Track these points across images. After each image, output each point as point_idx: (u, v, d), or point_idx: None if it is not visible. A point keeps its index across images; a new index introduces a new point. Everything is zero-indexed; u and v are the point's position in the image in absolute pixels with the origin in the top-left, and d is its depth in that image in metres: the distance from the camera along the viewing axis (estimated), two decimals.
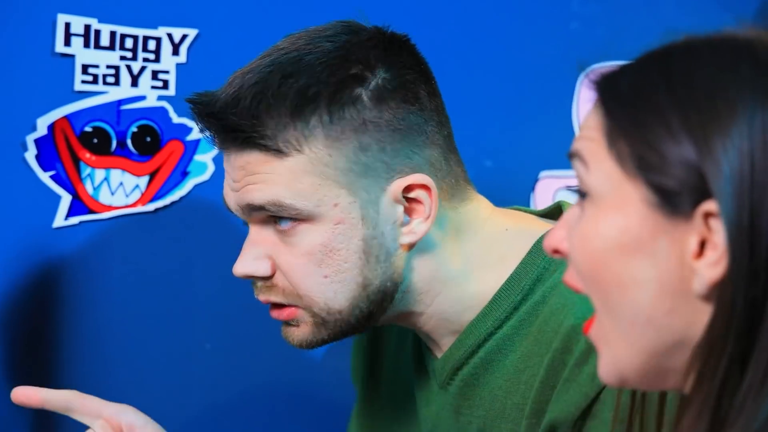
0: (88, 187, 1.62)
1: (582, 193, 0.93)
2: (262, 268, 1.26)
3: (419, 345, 1.36)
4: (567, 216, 0.96)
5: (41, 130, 1.60)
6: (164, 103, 1.64)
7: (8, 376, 1.61)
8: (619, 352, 0.92)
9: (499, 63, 1.69)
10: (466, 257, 1.27)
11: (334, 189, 1.22)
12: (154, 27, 1.62)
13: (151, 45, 1.62)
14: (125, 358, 1.66)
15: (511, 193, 1.55)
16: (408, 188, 1.23)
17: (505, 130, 1.66)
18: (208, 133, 1.27)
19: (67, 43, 1.59)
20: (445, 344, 1.31)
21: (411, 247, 1.25)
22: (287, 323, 1.29)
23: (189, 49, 1.63)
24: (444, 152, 1.26)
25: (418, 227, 1.24)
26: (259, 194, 1.23)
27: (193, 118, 1.28)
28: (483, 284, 1.28)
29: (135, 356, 1.66)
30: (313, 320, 1.26)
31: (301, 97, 1.21)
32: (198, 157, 1.65)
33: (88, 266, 1.63)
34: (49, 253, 1.62)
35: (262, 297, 1.28)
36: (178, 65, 1.63)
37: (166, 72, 1.63)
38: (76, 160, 1.61)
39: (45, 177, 1.60)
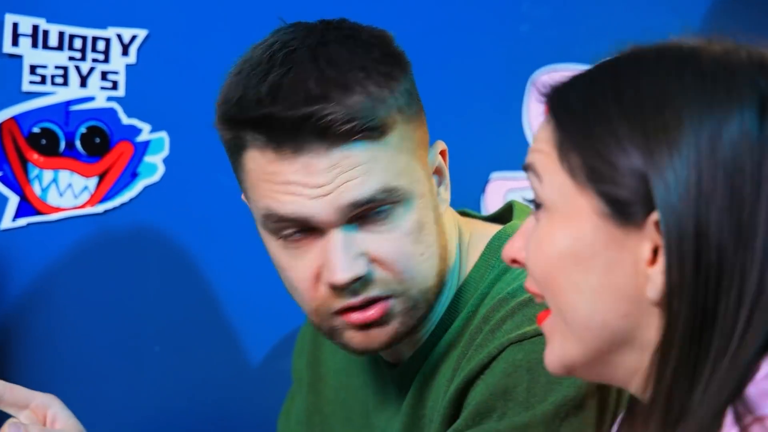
0: (36, 189, 1.61)
1: (537, 204, 0.95)
2: (362, 268, 1.21)
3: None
4: (524, 227, 0.97)
5: None
6: (113, 104, 1.62)
7: None
8: (570, 348, 0.94)
9: (450, 64, 1.69)
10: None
11: (415, 163, 1.23)
12: (104, 27, 1.61)
13: (101, 45, 1.61)
14: (73, 360, 1.65)
15: (462, 194, 1.55)
16: (438, 155, 1.28)
17: (456, 132, 1.66)
18: (280, 139, 1.19)
19: (15, 43, 1.58)
20: (404, 352, 1.31)
21: (443, 213, 1.28)
22: (368, 326, 1.24)
23: (139, 49, 1.62)
24: None
25: (445, 193, 1.28)
26: (364, 187, 1.20)
27: (261, 130, 1.20)
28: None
29: (83, 358, 1.65)
30: (405, 306, 1.23)
31: (381, 82, 1.21)
32: (148, 159, 1.64)
33: (36, 268, 1.62)
34: None
35: (361, 297, 1.22)
36: (127, 66, 1.62)
37: (116, 73, 1.62)
38: (24, 161, 1.60)
39: None
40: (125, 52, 1.62)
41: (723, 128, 0.87)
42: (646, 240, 0.89)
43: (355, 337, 1.24)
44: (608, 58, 0.94)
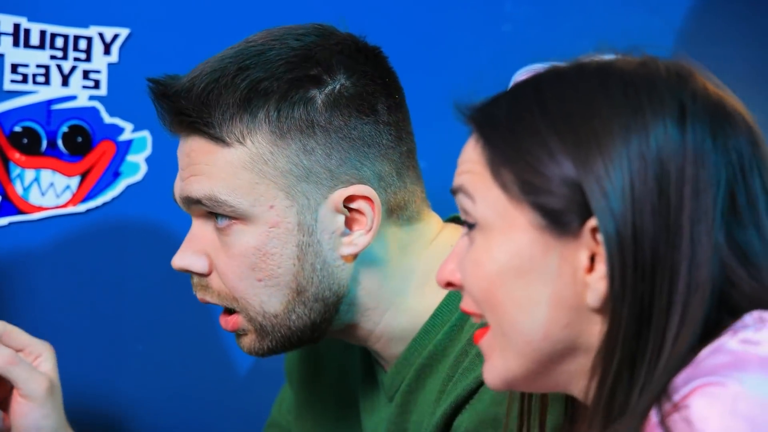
0: (18, 188, 1.61)
1: (470, 225, 0.96)
2: (199, 264, 1.25)
3: (369, 355, 1.35)
4: (456, 249, 0.98)
5: None
6: (96, 103, 1.62)
7: None
8: (511, 363, 0.95)
9: (433, 64, 1.70)
10: (409, 274, 1.26)
11: (271, 190, 1.21)
12: (85, 26, 1.61)
13: (82, 44, 1.60)
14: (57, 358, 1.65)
15: (445, 194, 1.56)
16: (350, 198, 1.22)
17: (439, 131, 1.67)
18: (159, 115, 1.26)
19: None
20: (392, 359, 1.30)
21: (353, 258, 1.24)
22: (236, 333, 1.28)
23: (121, 48, 1.62)
24: (398, 168, 1.25)
25: (358, 239, 1.23)
26: (198, 187, 1.23)
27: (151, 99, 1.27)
28: (426, 300, 1.27)
29: (64, 357, 1.65)
30: (253, 327, 1.25)
31: (251, 89, 1.21)
32: (130, 158, 1.64)
33: (18, 267, 1.62)
34: None
35: (199, 295, 1.28)
36: (109, 65, 1.62)
37: (98, 72, 1.62)
38: (6, 161, 1.60)
39: None
40: (107, 51, 1.62)
41: (650, 135, 0.90)
42: (582, 248, 0.91)
43: (235, 339, 1.29)
44: (528, 78, 0.97)
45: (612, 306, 0.90)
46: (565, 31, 1.73)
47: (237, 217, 1.22)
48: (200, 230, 1.26)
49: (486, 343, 0.97)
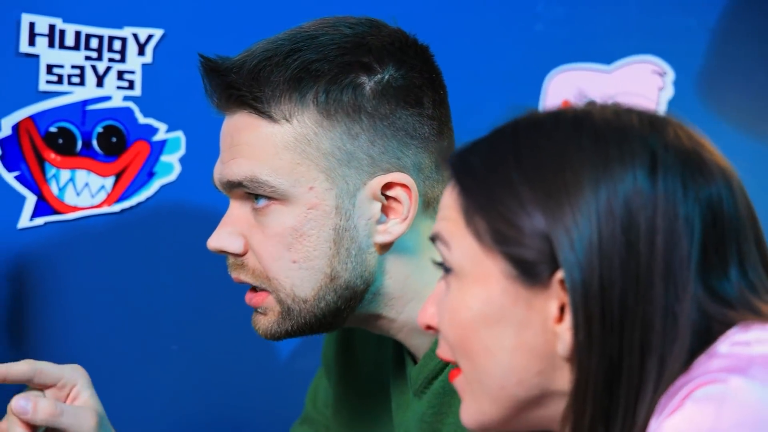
0: (54, 188, 1.61)
1: (446, 269, 0.97)
2: (234, 245, 1.26)
3: (400, 348, 1.36)
4: (435, 292, 1.00)
5: (6, 130, 1.59)
6: (130, 104, 1.63)
7: None
8: (485, 406, 0.96)
9: (465, 65, 1.70)
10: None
11: (312, 171, 1.22)
12: (120, 27, 1.62)
13: (117, 45, 1.61)
14: (90, 358, 1.65)
15: None
16: (388, 185, 1.23)
17: (471, 133, 1.66)
18: (208, 91, 1.27)
19: (32, 42, 1.59)
20: (420, 353, 1.31)
21: (385, 247, 1.25)
22: (256, 310, 1.29)
23: (155, 49, 1.63)
24: (438, 161, 1.26)
25: (393, 228, 1.24)
26: (238, 169, 1.24)
27: (200, 76, 1.28)
28: None
29: (100, 357, 1.66)
30: (279, 308, 1.26)
31: (303, 69, 1.22)
32: (164, 158, 1.65)
33: (53, 267, 1.62)
34: (14, 254, 1.61)
35: (234, 274, 1.28)
36: (143, 65, 1.63)
37: (132, 72, 1.63)
38: (41, 161, 1.61)
39: (9, 178, 1.60)
40: (141, 52, 1.62)
41: (618, 186, 0.90)
42: (552, 298, 0.91)
43: (252, 318, 1.30)
44: (506, 123, 0.97)
45: (578, 357, 0.90)
46: (597, 31, 1.73)
47: (276, 197, 1.23)
48: (237, 211, 1.27)
49: (459, 384, 0.98)
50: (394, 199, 1.24)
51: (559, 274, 0.90)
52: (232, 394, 1.70)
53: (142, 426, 1.63)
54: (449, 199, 0.96)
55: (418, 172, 1.24)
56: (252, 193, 1.24)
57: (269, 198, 1.23)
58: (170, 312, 1.67)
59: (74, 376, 1.24)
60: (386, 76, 1.23)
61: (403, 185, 1.23)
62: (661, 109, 1.73)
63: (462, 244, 0.94)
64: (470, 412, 0.96)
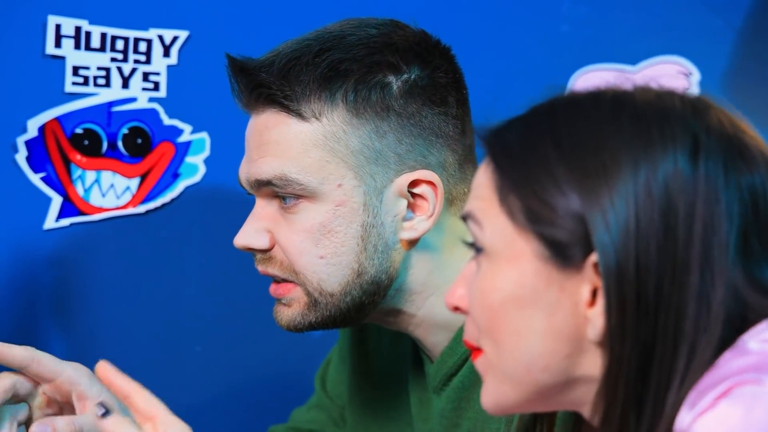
0: (79, 189, 1.62)
1: (477, 249, 0.95)
2: (260, 241, 1.27)
3: (417, 346, 1.36)
4: (464, 273, 0.98)
5: (32, 131, 1.60)
6: (155, 105, 1.63)
7: None
8: (507, 389, 0.94)
9: (491, 65, 1.70)
10: (460, 264, 1.27)
11: (341, 168, 1.24)
12: (145, 29, 1.62)
13: (142, 47, 1.62)
14: (115, 359, 1.65)
15: None
16: (414, 183, 1.25)
17: None
18: (236, 91, 1.28)
19: (58, 44, 1.59)
20: (436, 351, 1.31)
21: (411, 244, 1.26)
22: (280, 301, 1.29)
23: (180, 50, 1.63)
24: (460, 160, 1.27)
25: (419, 224, 1.25)
26: (267, 168, 1.25)
27: (227, 76, 1.29)
28: None
29: (125, 358, 1.66)
30: (306, 299, 1.27)
31: (332, 68, 1.24)
32: (189, 159, 1.65)
33: (79, 268, 1.63)
34: (40, 255, 1.61)
35: (261, 267, 1.29)
36: (169, 67, 1.63)
37: (157, 74, 1.63)
38: (67, 162, 1.61)
39: (35, 179, 1.60)
40: (166, 53, 1.63)
41: (658, 169, 0.88)
42: (585, 282, 0.90)
43: (274, 310, 1.30)
44: (544, 102, 0.95)
45: (610, 343, 0.89)
46: (623, 31, 1.72)
47: (305, 194, 1.24)
48: (263, 210, 1.28)
49: (481, 365, 0.97)
50: (420, 196, 1.25)
51: (593, 257, 0.89)
52: (256, 394, 1.70)
53: None
54: (483, 177, 0.95)
55: (443, 170, 1.26)
56: (280, 191, 1.25)
57: (298, 196, 1.24)
58: (194, 313, 1.67)
59: (77, 376, 1.21)
60: (413, 76, 1.25)
61: (429, 182, 1.25)
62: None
63: (495, 223, 0.93)
64: (492, 393, 0.95)
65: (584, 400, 0.94)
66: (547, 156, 0.90)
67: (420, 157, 1.25)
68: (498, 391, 0.95)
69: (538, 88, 1.72)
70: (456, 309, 0.99)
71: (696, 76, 1.75)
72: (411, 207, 1.25)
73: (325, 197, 1.24)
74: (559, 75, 1.72)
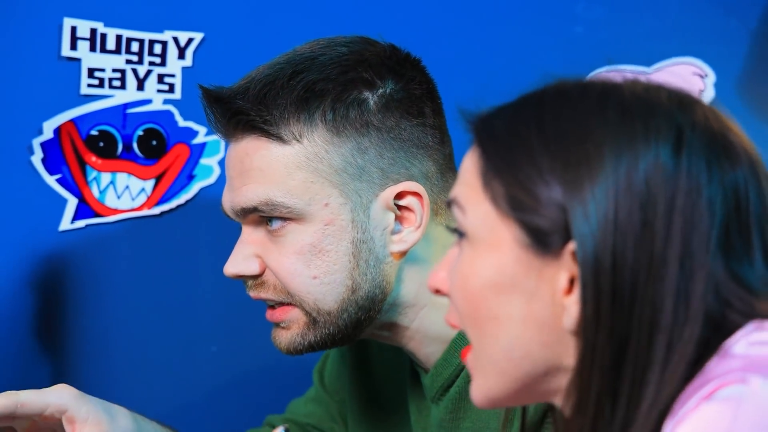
0: (94, 191, 1.63)
1: (460, 233, 0.96)
2: (251, 268, 1.28)
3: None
4: (448, 257, 0.99)
5: (47, 133, 1.60)
6: (170, 107, 1.64)
7: (15, 377, 1.61)
8: (492, 381, 0.95)
9: (505, 67, 1.70)
10: None
11: (326, 188, 1.24)
12: (160, 31, 1.62)
13: (157, 49, 1.62)
14: (131, 360, 1.67)
15: None
16: (400, 195, 1.26)
17: None
18: (213, 121, 1.28)
19: (74, 46, 1.60)
20: (430, 362, 1.32)
21: (402, 255, 1.27)
22: (278, 325, 1.30)
23: (195, 52, 1.64)
24: (442, 169, 1.28)
25: (408, 236, 1.26)
26: (252, 195, 1.25)
27: (202, 107, 1.29)
28: None
29: (140, 359, 1.67)
30: (305, 319, 1.27)
31: (308, 90, 1.24)
32: (204, 161, 1.66)
33: (94, 269, 1.63)
34: (55, 256, 1.62)
35: (254, 293, 1.30)
36: (183, 69, 1.64)
37: (172, 76, 1.63)
38: (83, 164, 1.62)
39: (51, 180, 1.61)
40: (181, 55, 1.63)
41: (639, 162, 0.88)
42: (563, 270, 0.90)
43: (272, 334, 1.31)
44: (534, 90, 0.96)
45: (584, 332, 0.89)
46: (637, 32, 1.72)
47: (292, 217, 1.25)
48: (250, 236, 1.28)
49: (470, 361, 0.97)
50: (407, 208, 1.26)
51: (571, 246, 0.89)
52: (271, 394, 1.70)
53: (180, 426, 1.64)
54: (468, 163, 0.95)
55: (426, 180, 1.27)
56: (267, 216, 1.26)
57: (285, 218, 1.25)
58: (209, 313, 1.68)
59: (62, 402, 1.20)
60: (388, 90, 1.26)
61: (414, 193, 1.25)
62: None
63: (478, 208, 0.93)
64: (479, 388, 0.96)
65: (560, 389, 0.94)
66: (531, 144, 0.91)
67: (403, 170, 1.25)
68: (485, 385, 0.95)
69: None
70: (437, 291, 0.99)
71: (711, 77, 1.75)
72: (399, 219, 1.26)
73: (313, 217, 1.24)
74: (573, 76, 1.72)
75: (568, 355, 0.92)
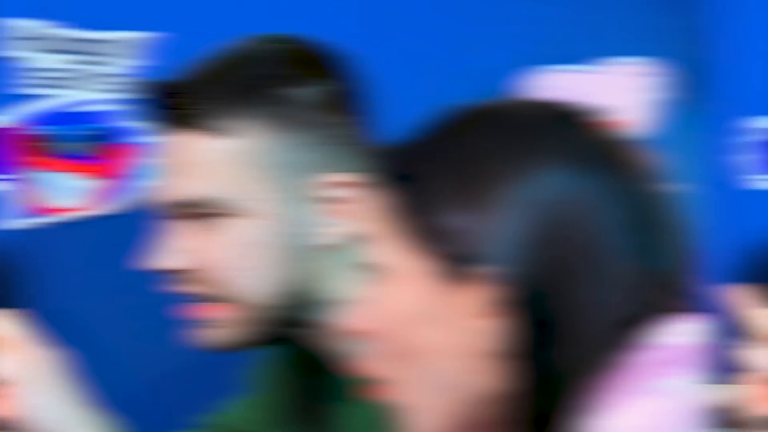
0: (42, 191, 1.63)
1: (372, 268, 0.96)
2: (177, 262, 1.27)
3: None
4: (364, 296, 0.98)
5: None
6: (116, 106, 1.64)
7: None
8: (425, 417, 0.94)
9: (448, 66, 1.70)
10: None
11: (260, 182, 1.25)
12: (111, 30, 1.63)
13: (107, 48, 1.62)
14: (103, 358, 1.66)
15: None
16: (332, 189, 1.26)
17: None
18: (150, 114, 1.28)
19: (20, 46, 1.60)
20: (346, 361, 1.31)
21: (334, 249, 1.27)
22: (205, 324, 1.28)
23: (145, 52, 1.64)
24: (373, 166, 1.28)
25: (340, 229, 1.27)
26: (184, 190, 1.25)
27: (140, 101, 1.29)
28: None
29: (110, 356, 1.67)
30: (237, 316, 1.26)
31: (242, 85, 1.26)
32: (150, 160, 1.66)
33: (39, 269, 1.63)
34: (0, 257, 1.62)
35: (182, 288, 1.28)
36: (133, 69, 1.64)
37: (122, 75, 1.64)
38: (29, 163, 1.62)
39: None
40: (130, 55, 1.63)
41: (541, 180, 0.90)
42: (478, 294, 0.91)
43: (196, 334, 1.28)
44: (434, 122, 0.96)
45: (506, 354, 0.90)
46: (582, 30, 1.73)
47: (226, 211, 1.25)
48: (182, 229, 1.27)
49: (394, 401, 0.96)
50: (339, 201, 1.27)
51: (484, 270, 0.90)
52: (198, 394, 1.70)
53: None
54: (377, 196, 0.96)
55: (358, 176, 1.27)
56: (200, 209, 1.25)
57: (219, 213, 1.25)
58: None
59: None
60: (322, 87, 1.28)
61: (348, 186, 1.26)
62: (648, 111, 1.73)
63: (389, 243, 0.94)
64: (414, 426, 0.95)
65: (491, 421, 0.94)
66: (434, 174, 0.92)
67: (336, 165, 1.26)
68: (421, 422, 0.94)
69: (497, 90, 1.73)
70: (356, 332, 0.98)
71: (658, 77, 1.76)
72: (333, 213, 1.27)
73: (247, 212, 1.25)
74: (514, 76, 1.73)
75: (497, 380, 0.92)
